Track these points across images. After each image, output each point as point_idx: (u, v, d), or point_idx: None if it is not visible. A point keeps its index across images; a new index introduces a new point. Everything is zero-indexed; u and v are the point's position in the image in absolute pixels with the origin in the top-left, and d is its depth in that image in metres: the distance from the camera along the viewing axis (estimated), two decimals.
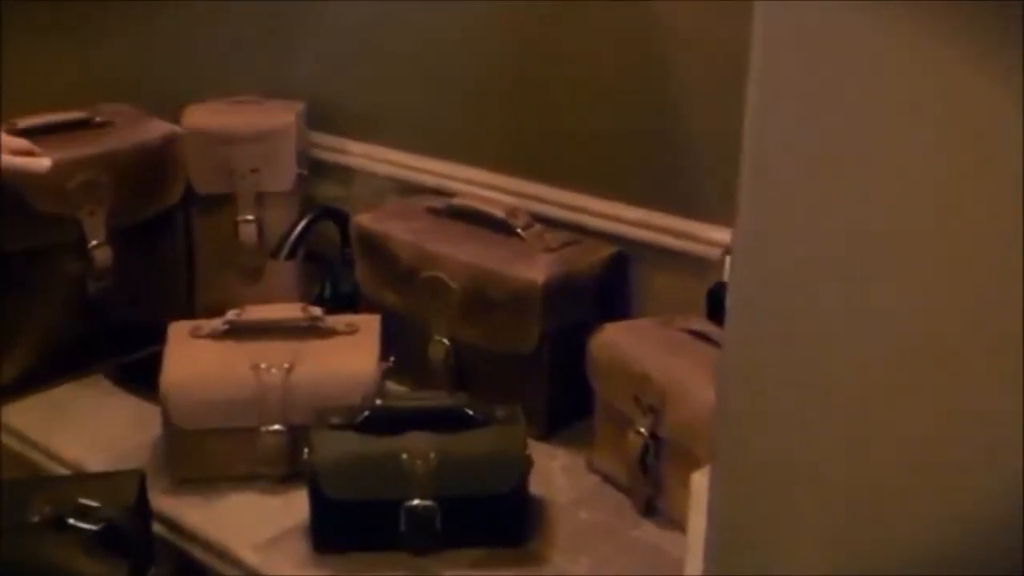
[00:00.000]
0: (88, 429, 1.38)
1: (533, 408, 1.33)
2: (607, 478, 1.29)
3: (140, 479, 1.10)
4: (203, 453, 1.24)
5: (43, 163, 1.23)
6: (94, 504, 1.01)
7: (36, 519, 0.98)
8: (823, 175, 0.69)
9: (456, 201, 1.46)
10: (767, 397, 0.72)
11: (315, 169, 1.70)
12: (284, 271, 1.60)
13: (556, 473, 1.31)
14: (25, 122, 1.43)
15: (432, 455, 1.12)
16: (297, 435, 1.22)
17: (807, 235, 0.70)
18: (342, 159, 1.69)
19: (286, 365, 1.24)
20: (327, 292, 1.62)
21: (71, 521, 0.99)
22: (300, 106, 1.64)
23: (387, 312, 1.41)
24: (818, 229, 0.69)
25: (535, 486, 1.24)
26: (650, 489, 1.22)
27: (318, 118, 1.69)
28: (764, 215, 0.72)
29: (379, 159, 1.66)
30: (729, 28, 1.35)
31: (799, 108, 0.69)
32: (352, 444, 1.13)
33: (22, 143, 1.26)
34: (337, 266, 1.62)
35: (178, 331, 1.29)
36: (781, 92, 0.69)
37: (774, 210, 0.72)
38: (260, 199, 1.61)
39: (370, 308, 1.44)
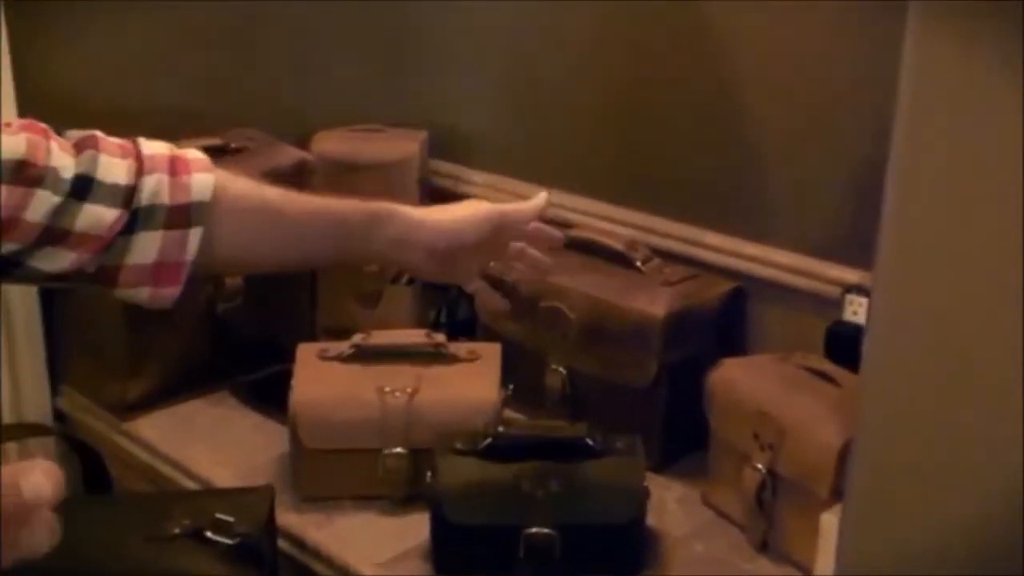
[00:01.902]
0: (215, 444, 1.43)
1: (648, 439, 1.34)
2: (722, 513, 1.29)
3: (270, 496, 1.14)
4: (327, 472, 1.28)
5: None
6: (229, 519, 1.05)
7: (176, 531, 1.03)
8: (965, 223, 0.69)
9: (575, 232, 1.48)
10: (906, 443, 0.73)
11: (436, 197, 1.74)
12: (403, 296, 1.63)
13: (671, 505, 1.32)
14: None
15: (552, 483, 1.14)
16: (418, 458, 1.25)
17: (948, 280, 0.71)
18: (463, 187, 1.73)
19: (410, 389, 1.28)
20: (443, 318, 1.65)
21: (208, 534, 1.03)
22: (423, 135, 1.68)
23: (505, 340, 1.43)
24: (960, 275, 0.70)
25: (650, 517, 1.25)
26: (765, 525, 1.22)
27: (440, 147, 1.74)
28: (905, 261, 0.73)
29: (499, 188, 1.69)
30: (851, 68, 1.36)
31: (942, 160, 0.69)
32: (475, 470, 1.16)
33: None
34: (454, 293, 1.65)
35: (306, 353, 1.34)
36: (926, 144, 0.70)
37: (915, 256, 0.72)
38: None
39: (488, 336, 1.47)
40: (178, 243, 0.95)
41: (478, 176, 1.72)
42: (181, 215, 0.95)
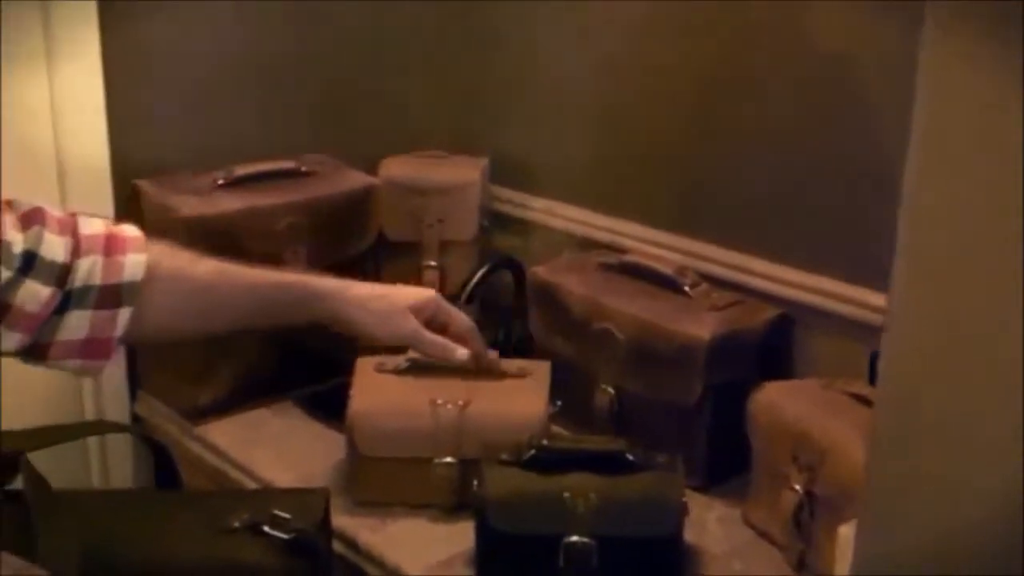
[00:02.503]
0: (278, 450, 1.50)
1: (692, 459, 1.39)
2: (761, 532, 1.33)
3: (326, 497, 1.20)
4: (381, 479, 1.34)
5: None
6: (287, 516, 1.11)
7: (237, 525, 1.09)
8: (976, 251, 0.73)
9: (628, 257, 1.53)
10: (918, 457, 0.76)
11: (496, 221, 1.81)
12: (469, 315, 1.70)
13: (712, 524, 1.35)
14: (242, 170, 1.59)
15: (593, 495, 1.19)
16: (467, 468, 1.30)
17: (959, 309, 0.75)
18: (522, 212, 1.80)
19: (461, 402, 1.33)
20: (500, 337, 1.71)
21: (266, 529, 1.09)
22: (484, 162, 1.75)
23: (557, 359, 1.49)
24: (970, 304, 0.74)
25: (690, 535, 1.29)
26: (803, 545, 1.25)
27: (501, 173, 1.80)
28: (918, 289, 0.77)
29: (557, 214, 1.75)
30: (903, 96, 1.40)
31: (955, 188, 0.73)
32: (518, 480, 1.21)
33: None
34: (511, 314, 1.71)
35: (364, 365, 1.40)
36: (938, 172, 0.74)
37: (927, 285, 0.76)
38: (444, 247, 1.73)
39: (542, 355, 1.52)
40: (108, 321, 1.01)
41: (537, 202, 1.78)
42: (112, 295, 1.02)
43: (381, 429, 1.33)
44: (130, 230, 1.08)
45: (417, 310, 1.27)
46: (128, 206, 1.56)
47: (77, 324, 1.01)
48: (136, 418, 1.66)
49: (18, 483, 1.12)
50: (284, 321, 1.22)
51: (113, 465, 1.64)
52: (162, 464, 1.32)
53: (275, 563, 1.08)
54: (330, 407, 1.51)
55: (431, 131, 1.83)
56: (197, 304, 1.12)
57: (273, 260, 1.55)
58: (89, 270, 1.01)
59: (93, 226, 1.04)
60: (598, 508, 1.18)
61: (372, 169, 1.73)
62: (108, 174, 1.58)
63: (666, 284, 1.47)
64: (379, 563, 1.28)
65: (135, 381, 1.67)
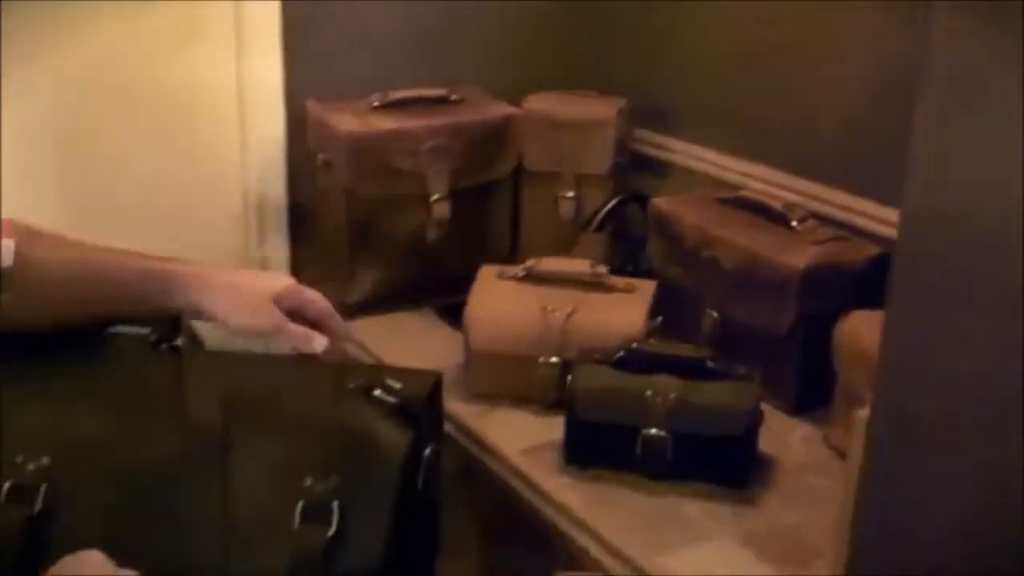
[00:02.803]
0: (410, 347, 1.66)
1: (785, 383, 1.48)
2: (840, 453, 1.41)
3: (436, 378, 1.35)
4: (491, 373, 1.49)
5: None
6: (396, 385, 1.27)
7: (351, 386, 1.26)
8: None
9: (742, 193, 1.63)
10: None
11: (634, 160, 1.92)
12: (593, 242, 1.82)
13: (794, 442, 1.44)
14: (396, 95, 1.76)
15: (672, 395, 1.31)
16: (568, 369, 1.44)
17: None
18: (658, 153, 1.91)
19: (569, 310, 1.47)
20: (629, 267, 1.83)
21: (376, 393, 1.25)
22: (622, 102, 1.86)
23: (671, 284, 1.60)
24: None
25: (770, 447, 1.39)
26: None
27: (642, 115, 1.91)
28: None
29: (692, 155, 1.86)
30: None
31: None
32: (607, 377, 1.34)
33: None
34: (639, 245, 1.83)
35: (486, 273, 1.56)
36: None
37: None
38: (580, 180, 1.85)
39: (659, 281, 1.63)
40: None
41: (672, 143, 1.89)
42: None
43: (493, 328, 1.48)
44: None
45: (279, 299, 1.23)
46: (297, 124, 1.76)
47: None
48: None
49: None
50: (147, 308, 1.21)
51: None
52: None
53: (379, 425, 1.23)
54: (462, 316, 1.67)
55: (577, 71, 1.95)
56: (68, 297, 1.12)
57: (418, 178, 1.74)
58: None
59: None
60: (676, 407, 1.30)
61: (518, 103, 1.87)
62: (281, 96, 1.78)
63: (775, 219, 1.55)
64: (481, 443, 1.44)
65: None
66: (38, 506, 1.16)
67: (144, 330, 1.32)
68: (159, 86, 1.71)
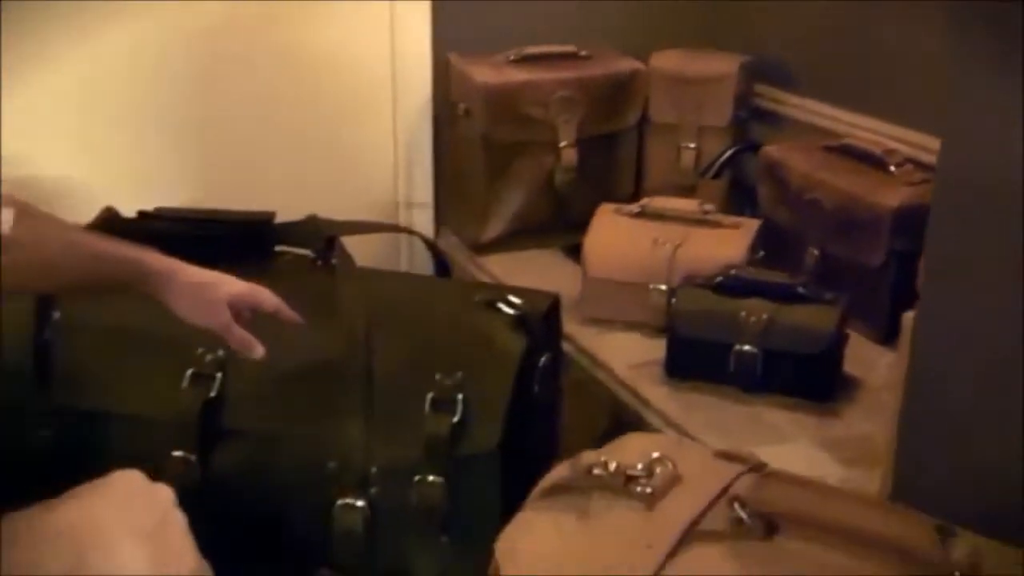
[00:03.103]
0: (538, 282, 1.80)
1: (876, 314, 1.61)
2: None
3: (553, 298, 1.53)
4: (606, 299, 1.66)
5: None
6: (517, 301, 1.45)
7: (478, 299, 1.45)
8: None
9: (846, 141, 1.74)
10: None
11: (751, 112, 2.05)
12: (711, 189, 1.97)
13: (881, 367, 1.56)
14: (530, 50, 1.94)
15: (764, 315, 1.45)
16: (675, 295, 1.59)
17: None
18: (772, 105, 2.03)
19: (677, 242, 1.62)
20: (747, 212, 1.96)
21: (499, 305, 1.44)
22: (743, 59, 1.99)
23: (776, 225, 1.74)
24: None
25: (859, 371, 1.52)
26: None
27: (759, 70, 2.04)
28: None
29: (807, 109, 1.97)
30: None
31: None
32: (706, 299, 1.49)
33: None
34: (753, 191, 1.95)
35: (605, 209, 1.73)
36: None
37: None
38: (701, 131, 1.99)
39: (765, 222, 1.77)
40: None
41: (789, 98, 2.01)
42: None
43: (608, 256, 1.65)
44: None
45: (235, 300, 1.33)
46: (441, 74, 1.97)
47: None
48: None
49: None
50: (114, 288, 1.33)
51: (416, 265, 2.05)
52: (440, 269, 1.72)
53: (500, 331, 1.42)
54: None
55: (700, 30, 2.09)
56: (51, 268, 1.22)
57: (549, 126, 1.91)
58: None
59: None
60: (766, 326, 1.44)
61: (645, 59, 2.02)
62: (428, 50, 1.99)
63: (875, 164, 1.67)
64: (593, 359, 1.61)
65: (439, 220, 2.09)
66: (214, 391, 1.40)
67: (305, 251, 1.55)
68: (319, 44, 1.94)
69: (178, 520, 0.73)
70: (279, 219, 1.56)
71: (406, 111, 2.01)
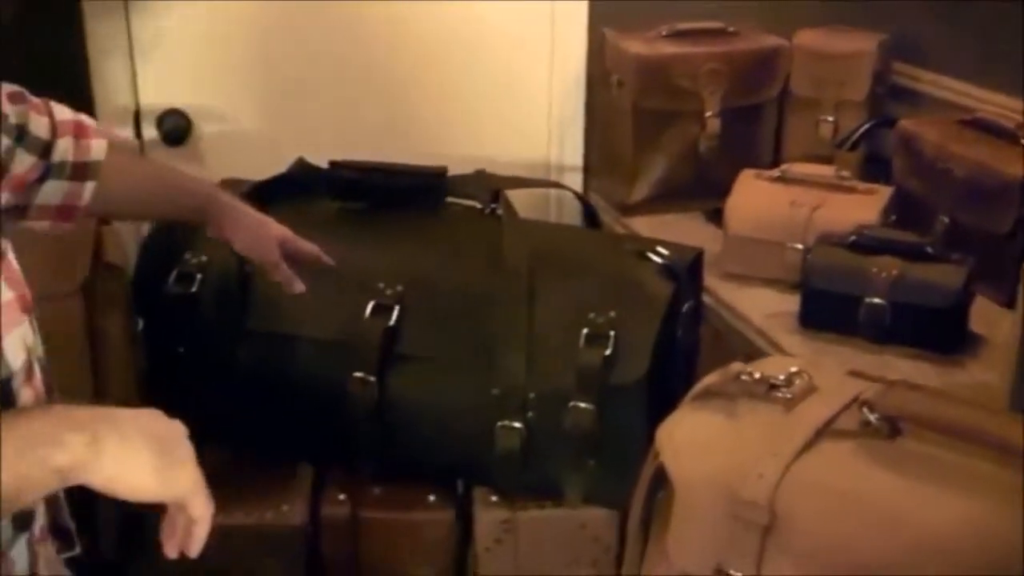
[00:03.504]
0: (679, 239, 1.98)
1: (1003, 278, 1.69)
2: None
3: (698, 252, 1.66)
4: (744, 256, 1.80)
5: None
6: (665, 252, 1.59)
7: (629, 248, 1.60)
8: None
9: (979, 115, 1.84)
10: None
11: (888, 89, 2.14)
12: (847, 160, 2.07)
13: (1005, 325, 1.66)
14: (682, 26, 2.08)
15: (894, 271, 1.57)
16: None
17: None
18: (908, 82, 2.13)
19: (814, 204, 1.75)
20: (881, 182, 2.06)
21: (648, 254, 1.59)
22: (883, 37, 2.10)
23: (909, 195, 1.84)
24: None
25: (983, 328, 1.62)
26: None
27: (898, 48, 2.13)
28: None
29: (942, 86, 2.06)
30: None
31: None
32: (839, 255, 1.62)
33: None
34: (887, 164, 2.05)
35: (747, 174, 1.86)
36: None
37: None
38: (839, 105, 2.10)
39: (899, 191, 1.87)
40: (78, 192, 1.18)
41: (926, 75, 2.10)
42: (82, 170, 1.18)
43: (748, 216, 1.79)
44: (89, 120, 1.23)
45: (281, 241, 1.43)
46: (596, 49, 2.12)
47: (53, 192, 1.16)
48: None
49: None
50: (185, 218, 1.48)
51: (563, 220, 2.22)
52: (591, 223, 1.87)
53: (648, 277, 1.57)
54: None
55: (842, 10, 2.19)
56: (135, 194, 1.33)
57: (695, 97, 2.05)
58: (65, 148, 1.16)
59: (63, 112, 1.19)
60: (895, 280, 1.56)
61: (789, 37, 2.13)
62: (585, 25, 2.15)
63: (1006, 136, 1.76)
64: (731, 309, 1.75)
65: (587, 183, 2.24)
66: (392, 321, 1.58)
67: (473, 202, 1.72)
68: (487, 20, 2.14)
69: (187, 446, 0.85)
70: (450, 173, 1.74)
71: (561, 82, 2.18)
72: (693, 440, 1.00)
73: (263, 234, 1.42)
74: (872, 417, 0.96)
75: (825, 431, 0.97)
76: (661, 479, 1.02)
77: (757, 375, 1.02)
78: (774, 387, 1.02)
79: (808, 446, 0.95)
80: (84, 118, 1.22)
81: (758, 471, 0.93)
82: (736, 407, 1.02)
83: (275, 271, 1.42)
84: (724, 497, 0.95)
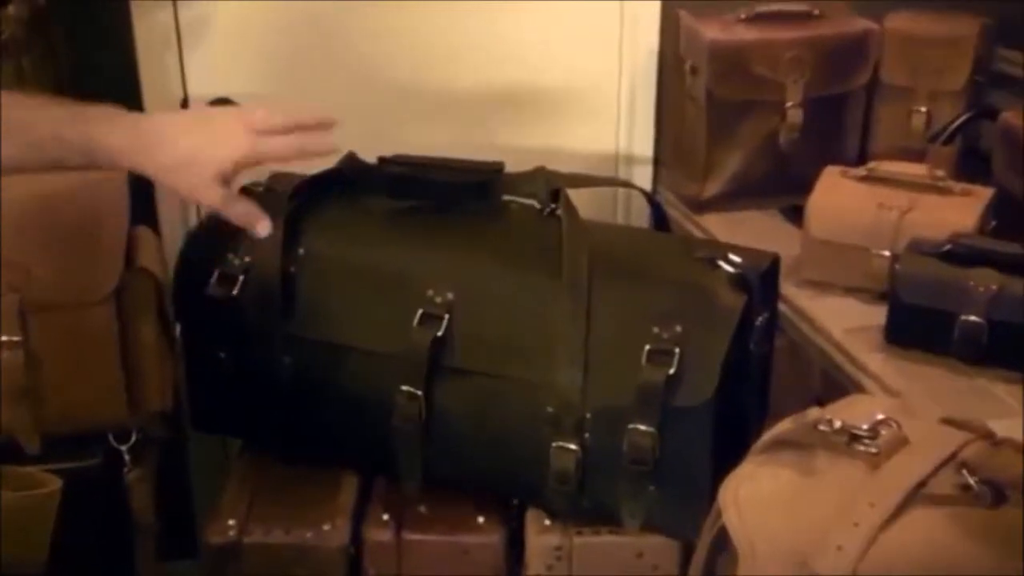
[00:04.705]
0: (755, 243, 1.77)
1: None
2: None
3: (773, 258, 1.53)
4: (825, 261, 1.65)
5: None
6: (737, 259, 1.46)
7: (699, 255, 1.47)
8: None
9: None
10: None
11: (991, 77, 1.97)
12: (941, 155, 1.91)
13: None
14: (761, 8, 1.93)
15: (993, 286, 1.42)
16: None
17: None
18: (1015, 70, 1.95)
19: (904, 208, 1.60)
20: (977, 183, 1.90)
21: (720, 263, 1.45)
22: (985, 20, 1.92)
23: (1011, 195, 1.68)
24: None
25: None
26: None
27: (1006, 35, 1.96)
28: None
29: None
30: None
31: None
32: (932, 265, 1.47)
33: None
34: (987, 160, 1.89)
35: (831, 171, 1.71)
36: None
37: None
38: (933, 95, 1.94)
39: (999, 190, 1.71)
40: None
41: None
42: None
43: (831, 219, 1.64)
44: None
45: (225, 173, 1.24)
46: (669, 33, 1.98)
47: None
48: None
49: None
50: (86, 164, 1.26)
51: (630, 219, 2.10)
52: (660, 224, 1.74)
53: (719, 288, 1.43)
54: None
55: None
56: (32, 154, 1.17)
57: (776, 85, 1.90)
58: None
59: None
60: (996, 296, 1.41)
61: (880, 20, 1.97)
62: (658, 8, 2.02)
63: None
64: (810, 321, 1.62)
65: (656, 179, 2.11)
66: (441, 331, 1.47)
67: (532, 201, 1.60)
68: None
69: None
70: (507, 169, 1.62)
71: (631, 68, 2.05)
72: (761, 499, 0.88)
73: (190, 176, 1.21)
74: (972, 480, 0.83)
75: (916, 495, 0.84)
76: (724, 541, 0.89)
77: (838, 424, 0.90)
78: (857, 438, 0.89)
79: (896, 513, 0.82)
80: None
81: (837, 542, 0.81)
82: (813, 462, 0.89)
83: (227, 213, 1.28)
84: (796, 569, 0.83)
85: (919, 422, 0.93)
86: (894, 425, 0.90)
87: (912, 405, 1.08)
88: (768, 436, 0.96)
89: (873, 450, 0.88)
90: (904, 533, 0.82)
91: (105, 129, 1.19)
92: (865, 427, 0.90)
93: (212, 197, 1.24)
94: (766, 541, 0.86)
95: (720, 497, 0.92)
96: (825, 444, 0.91)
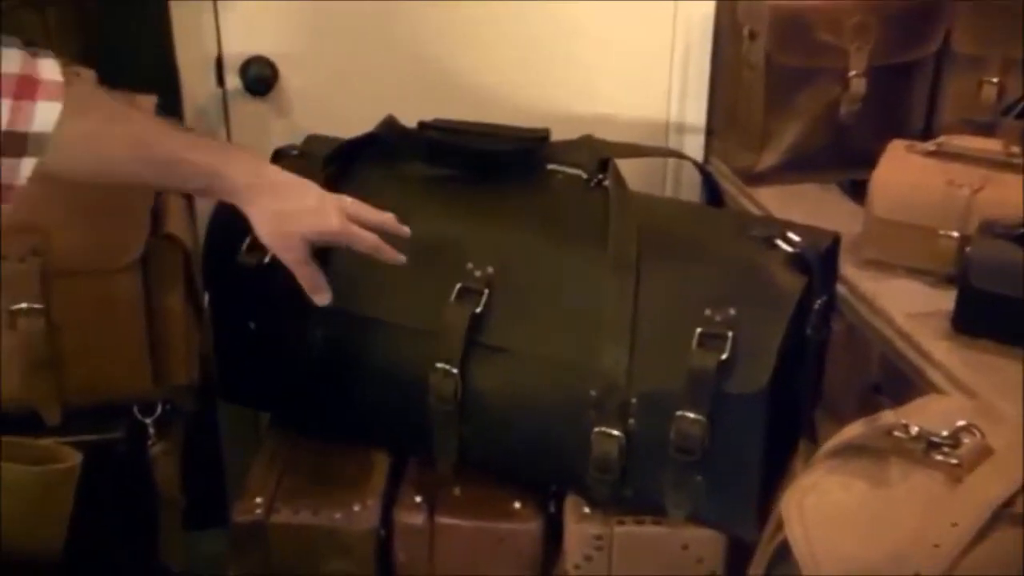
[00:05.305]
0: (813, 219, 1.69)
1: None
2: None
3: (834, 237, 1.44)
4: (888, 239, 1.56)
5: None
6: (796, 238, 1.37)
7: (755, 234, 1.38)
8: None
9: None
10: None
11: None
12: (1013, 130, 1.79)
13: None
14: None
15: None
16: (967, 244, 1.47)
17: None
18: None
19: (975, 186, 1.50)
20: None
21: (777, 242, 1.37)
22: None
23: None
24: None
25: None
26: None
27: None
28: None
29: None
30: None
31: None
32: (1004, 249, 1.37)
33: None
34: None
35: (896, 145, 1.61)
36: None
37: None
38: (1007, 65, 1.82)
39: None
40: (11, 169, 0.95)
41: None
42: (17, 143, 0.94)
43: (896, 196, 1.55)
44: (49, 72, 0.98)
45: (311, 238, 1.28)
46: None
47: None
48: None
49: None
50: (190, 192, 1.36)
51: (680, 192, 2.01)
52: (712, 198, 1.65)
53: (777, 269, 1.35)
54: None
55: None
56: (110, 168, 1.13)
57: (839, 53, 1.80)
58: None
59: (10, 62, 0.95)
60: None
61: None
62: None
63: None
64: (870, 304, 1.52)
65: (709, 148, 2.01)
66: (479, 307, 1.40)
67: (578, 171, 1.52)
68: None
69: None
70: (553, 137, 1.54)
71: (685, 32, 1.94)
72: (829, 513, 0.80)
73: (285, 230, 1.26)
74: None
75: (1003, 515, 0.76)
76: (785, 555, 0.82)
77: (915, 430, 0.81)
78: (936, 446, 0.81)
79: (981, 536, 0.74)
80: (40, 69, 0.97)
81: (914, 565, 0.73)
82: (886, 471, 0.81)
83: (296, 273, 1.30)
84: None
85: (1003, 428, 0.85)
86: (976, 433, 0.82)
87: (994, 407, 0.99)
88: (836, 441, 0.88)
89: (954, 461, 0.80)
90: (989, 557, 0.74)
91: (225, 160, 1.23)
92: (945, 434, 0.82)
93: (293, 255, 1.29)
94: (835, 561, 0.78)
95: (783, 508, 0.85)
96: (899, 451, 0.82)
